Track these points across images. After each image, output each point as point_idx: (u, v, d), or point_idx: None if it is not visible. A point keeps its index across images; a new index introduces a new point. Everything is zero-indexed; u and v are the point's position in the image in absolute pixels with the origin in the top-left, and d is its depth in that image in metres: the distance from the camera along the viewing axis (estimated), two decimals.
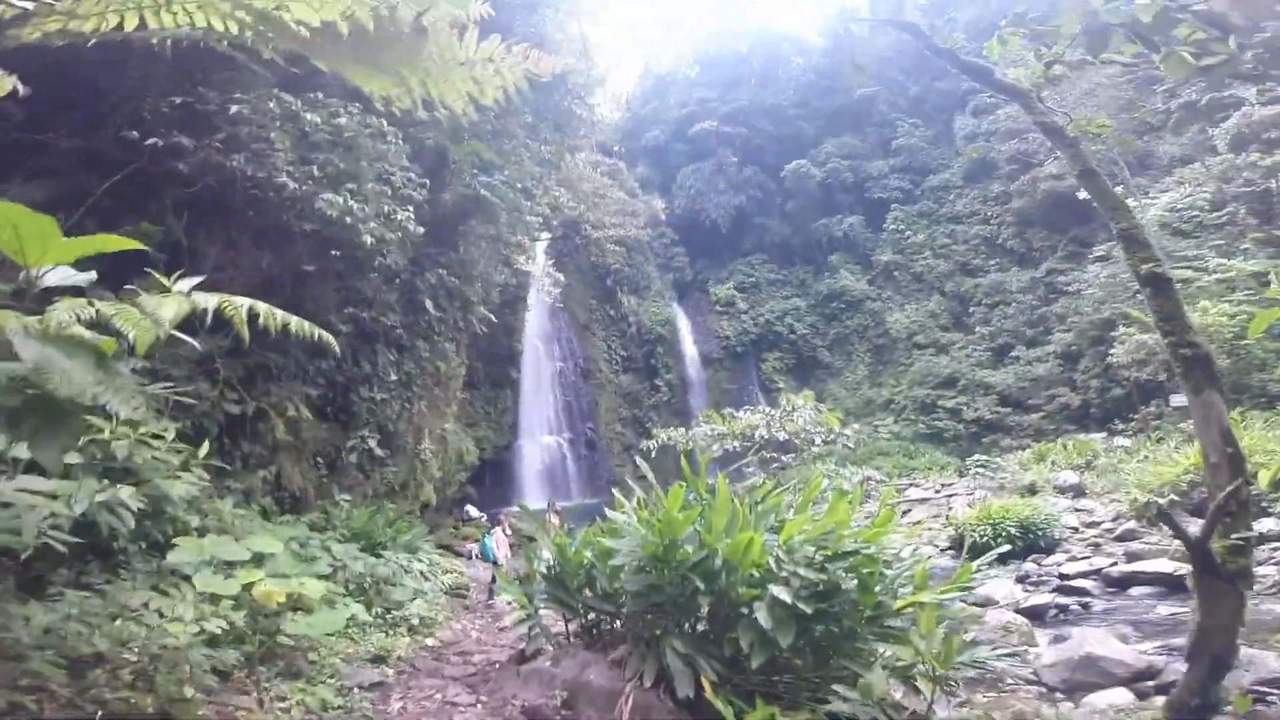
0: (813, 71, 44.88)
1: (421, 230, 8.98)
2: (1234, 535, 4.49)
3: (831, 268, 39.86)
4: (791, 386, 36.58)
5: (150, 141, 6.71)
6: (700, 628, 5.06)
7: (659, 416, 34.16)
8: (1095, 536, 14.48)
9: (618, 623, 6.13)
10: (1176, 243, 24.53)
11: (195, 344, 4.07)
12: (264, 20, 2.30)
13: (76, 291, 3.40)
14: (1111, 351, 24.75)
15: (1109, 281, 27.85)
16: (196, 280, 2.85)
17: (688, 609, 4.89)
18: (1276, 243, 22.98)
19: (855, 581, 4.18)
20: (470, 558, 13.78)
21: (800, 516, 4.47)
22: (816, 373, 37.23)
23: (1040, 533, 13.82)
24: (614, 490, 6.29)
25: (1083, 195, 23.35)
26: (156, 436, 5.46)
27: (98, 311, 2.31)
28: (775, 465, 13.69)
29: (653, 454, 15.23)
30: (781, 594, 3.84)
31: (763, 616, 3.85)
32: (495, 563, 11.18)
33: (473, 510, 17.27)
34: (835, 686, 4.33)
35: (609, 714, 4.85)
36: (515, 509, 16.95)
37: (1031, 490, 18.49)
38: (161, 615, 4.11)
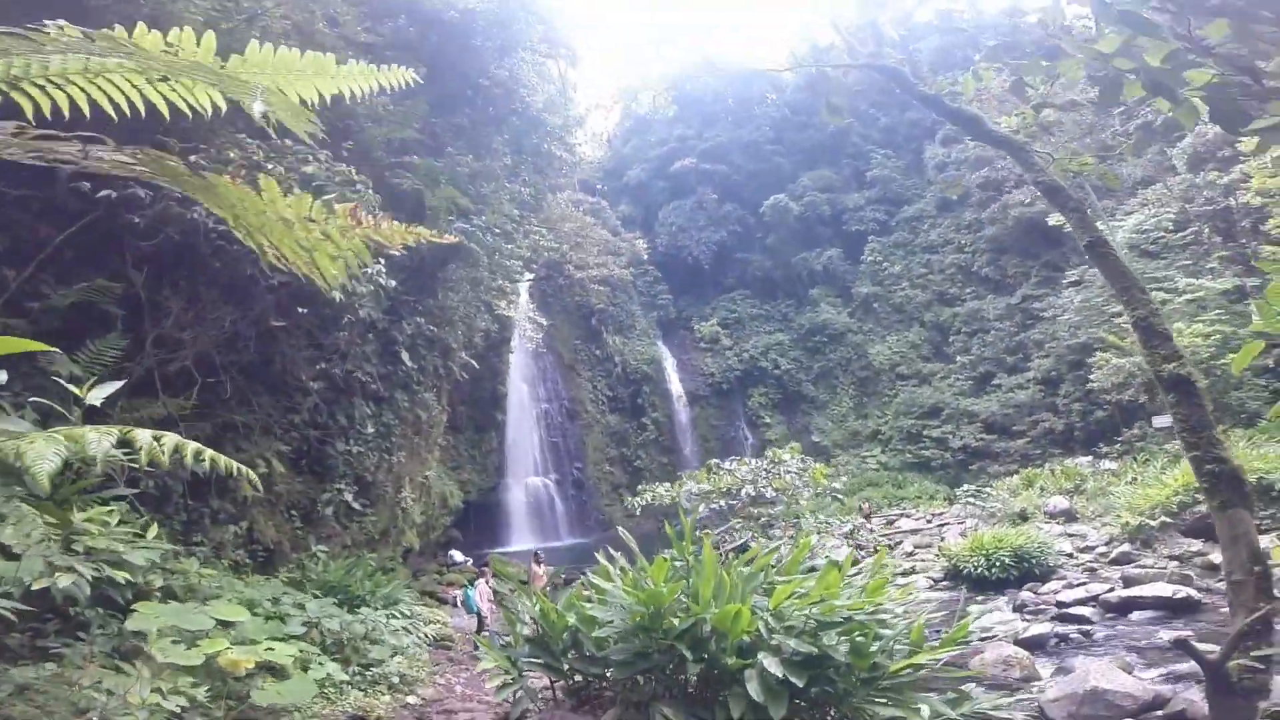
0: (787, 106, 45.87)
1: (394, 284, 8.84)
2: (1253, 654, 4.35)
3: (813, 301, 40.20)
4: (778, 421, 36.58)
5: (104, 193, 6.52)
6: (689, 692, 4.85)
7: (647, 455, 33.92)
8: (1090, 561, 14.44)
9: (603, 684, 5.87)
10: (1145, 264, 25.12)
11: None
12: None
13: None
14: (1091, 376, 25.06)
15: (1084, 306, 28.34)
16: (111, 388, 2.68)
17: (676, 674, 4.69)
18: (1241, 260, 23.63)
19: (849, 646, 4.02)
20: (455, 604, 13.33)
21: (789, 583, 4.35)
22: (802, 407, 37.25)
23: (1035, 560, 13.73)
24: (596, 554, 6.12)
25: (1053, 220, 23.73)
26: (119, 498, 5.22)
27: None
28: (763, 520, 13.55)
29: (638, 511, 15.01)
30: (772, 666, 3.68)
31: (754, 688, 3.68)
32: (479, 615, 10.83)
33: (457, 555, 16.81)
34: None
35: None
36: (499, 553, 16.52)
37: (1022, 517, 18.45)
38: (115, 690, 3.82)
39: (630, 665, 4.55)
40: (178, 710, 4.05)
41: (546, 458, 28.64)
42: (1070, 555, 14.85)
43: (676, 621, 4.07)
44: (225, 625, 5.56)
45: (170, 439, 2.68)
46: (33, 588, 3.91)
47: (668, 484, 14.66)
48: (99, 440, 2.40)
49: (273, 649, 5.80)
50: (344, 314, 8.07)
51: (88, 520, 4.74)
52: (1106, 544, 15.27)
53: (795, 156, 44.78)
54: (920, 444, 32.60)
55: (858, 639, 4.05)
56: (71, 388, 2.87)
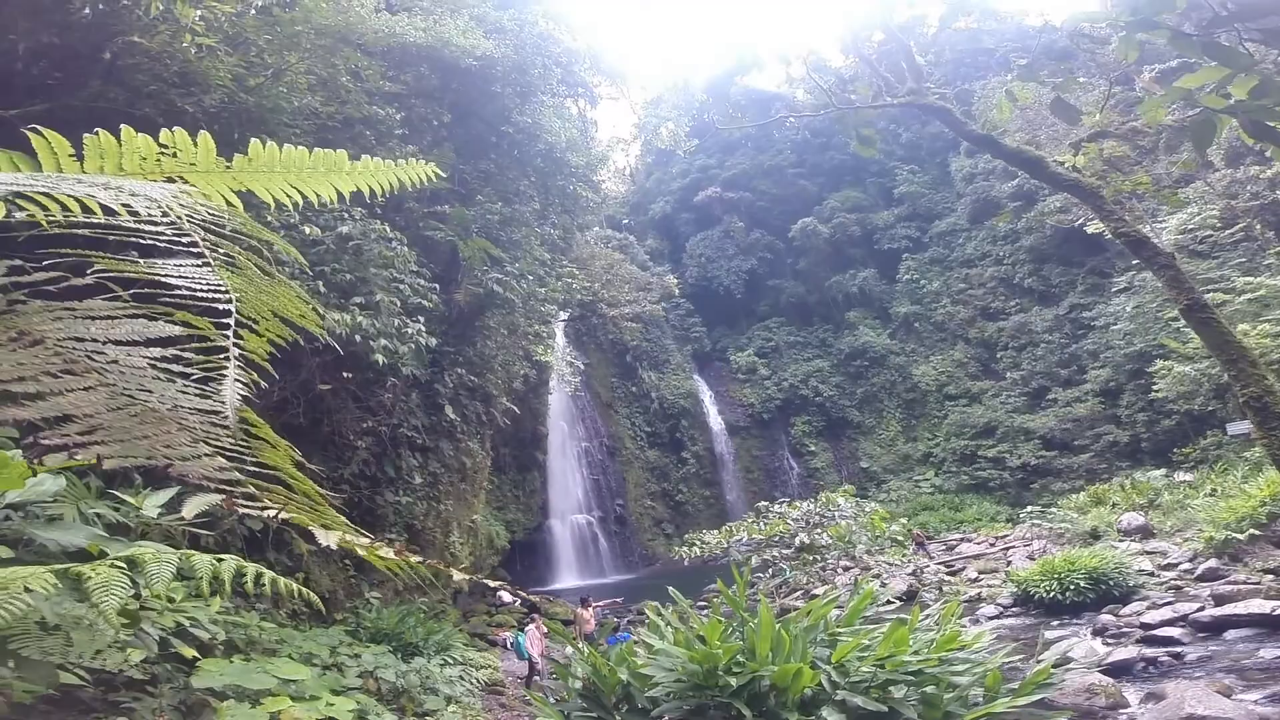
0: (806, 129, 45.78)
1: (434, 341, 8.99)
2: None
3: (850, 324, 39.33)
4: (823, 449, 35.73)
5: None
6: None
7: (688, 489, 33.52)
8: (1174, 579, 13.57)
9: None
10: (1196, 265, 23.97)
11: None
12: None
13: None
14: (1155, 386, 23.84)
15: (1137, 313, 27.21)
16: (170, 493, 2.76)
17: None
18: None
19: (919, 698, 3.80)
20: (505, 646, 13.25)
21: (853, 640, 4.18)
22: (847, 433, 36.37)
23: (1113, 581, 12.93)
24: (645, 608, 6.04)
25: (1092, 229, 22.74)
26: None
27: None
28: (819, 565, 12.95)
29: (685, 562, 14.72)
30: (833, 717, 3.50)
31: None
32: (531, 661, 10.71)
33: (505, 595, 16.76)
34: None
35: None
36: (545, 592, 16.32)
37: (1094, 536, 17.46)
38: None
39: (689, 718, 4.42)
40: None
41: (589, 495, 28.65)
42: (1151, 574, 13.94)
43: (733, 680, 3.92)
44: (285, 683, 5.60)
45: (231, 563, 2.75)
46: (105, 664, 4.01)
47: (715, 532, 14.33)
48: (159, 570, 2.48)
49: (333, 704, 5.81)
50: (387, 375, 8.27)
51: (154, 597, 4.87)
52: (1190, 560, 14.31)
53: (819, 178, 44.48)
54: (976, 464, 31.29)
55: (928, 691, 3.83)
56: (129, 499, 2.98)
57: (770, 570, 13.23)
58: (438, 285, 9.85)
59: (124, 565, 2.36)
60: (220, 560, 2.82)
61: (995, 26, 37.61)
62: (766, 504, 14.74)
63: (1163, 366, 22.97)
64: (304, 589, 3.17)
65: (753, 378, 38.53)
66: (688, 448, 34.96)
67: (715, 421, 36.70)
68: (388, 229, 8.82)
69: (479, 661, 10.59)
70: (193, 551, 2.77)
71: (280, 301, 1.80)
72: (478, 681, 9.49)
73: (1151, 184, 7.67)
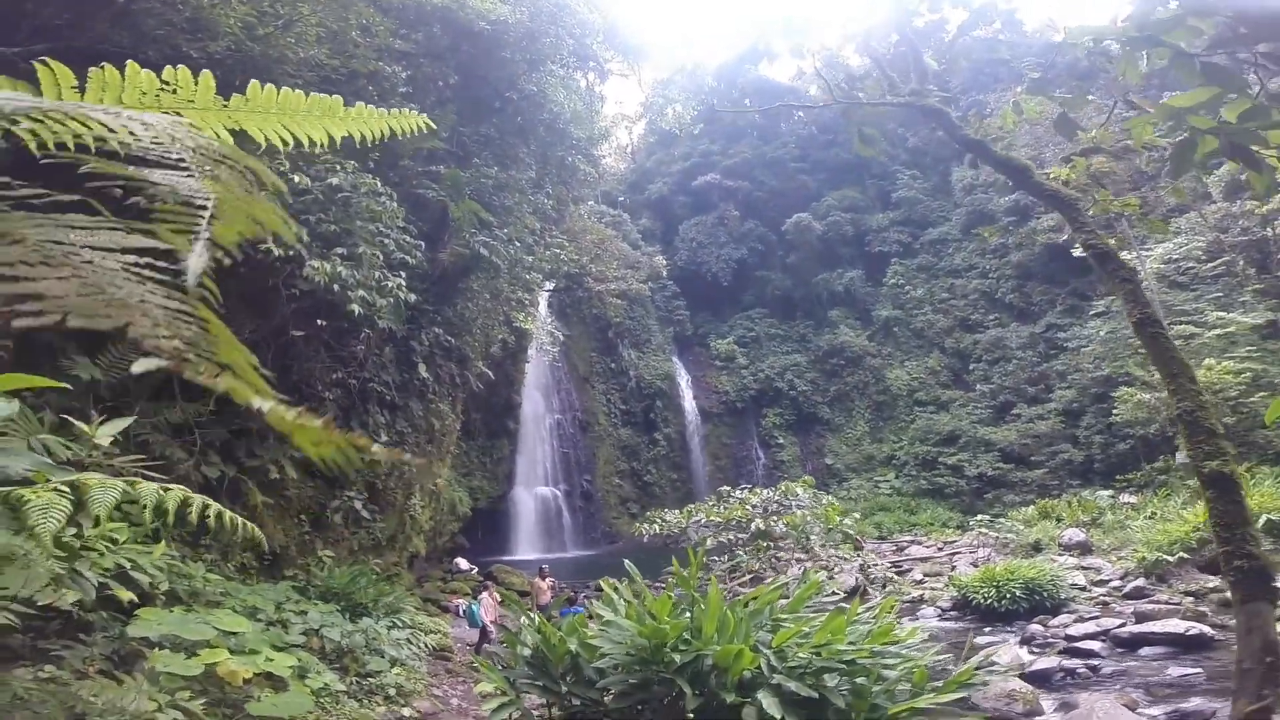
0: (814, 125, 45.55)
1: (414, 296, 8.91)
2: None
3: (832, 323, 39.68)
4: (791, 443, 36.27)
5: (131, 202, 6.64)
6: None
7: (657, 470, 33.78)
8: (1103, 595, 14.18)
9: (600, 710, 5.86)
10: (1175, 295, 24.62)
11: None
12: None
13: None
14: (1115, 411, 24.59)
15: (1109, 338, 27.93)
16: (124, 423, 2.70)
17: (674, 708, 4.65)
18: (1276, 293, 23.01)
19: (850, 688, 3.96)
20: (457, 613, 13.37)
21: (795, 623, 4.32)
22: (816, 429, 36.89)
23: (1046, 593, 13.51)
24: (603, 582, 6.13)
25: (1077, 252, 23.32)
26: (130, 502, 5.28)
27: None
28: (771, 553, 13.29)
29: (645, 538, 14.94)
30: (770, 706, 3.64)
31: None
32: (484, 629, 10.83)
33: (463, 563, 16.89)
34: None
35: None
36: (505, 562, 16.48)
37: (1036, 548, 18.14)
38: (111, 705, 3.83)
39: (629, 695, 4.53)
40: None
41: (557, 468, 28.71)
42: (1083, 589, 14.57)
43: (678, 657, 4.04)
44: (226, 635, 5.56)
45: (177, 493, 2.72)
46: (39, 601, 3.94)
47: (676, 511, 14.54)
48: (103, 495, 2.44)
49: (272, 659, 5.81)
50: (363, 326, 8.18)
51: (97, 537, 4.80)
52: (1121, 578, 15.00)
53: (820, 175, 44.33)
54: (935, 470, 32.10)
55: (859, 681, 3.98)
56: (83, 426, 2.91)
57: (725, 555, 13.53)
58: (424, 243, 9.73)
59: (66, 490, 2.32)
60: (167, 490, 2.79)
61: (1017, 39, 37.69)
62: (728, 489, 15.02)
63: (1125, 393, 23.69)
64: (250, 525, 3.15)
65: (730, 366, 38.71)
66: (660, 429, 35.13)
67: (689, 405, 36.90)
68: (379, 184, 8.68)
69: (428, 626, 10.67)
70: (138, 479, 2.72)
71: (258, 210, 1.83)
72: (425, 646, 9.55)
73: (1140, 207, 7.81)
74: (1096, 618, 12.54)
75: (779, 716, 3.50)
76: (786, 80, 48.68)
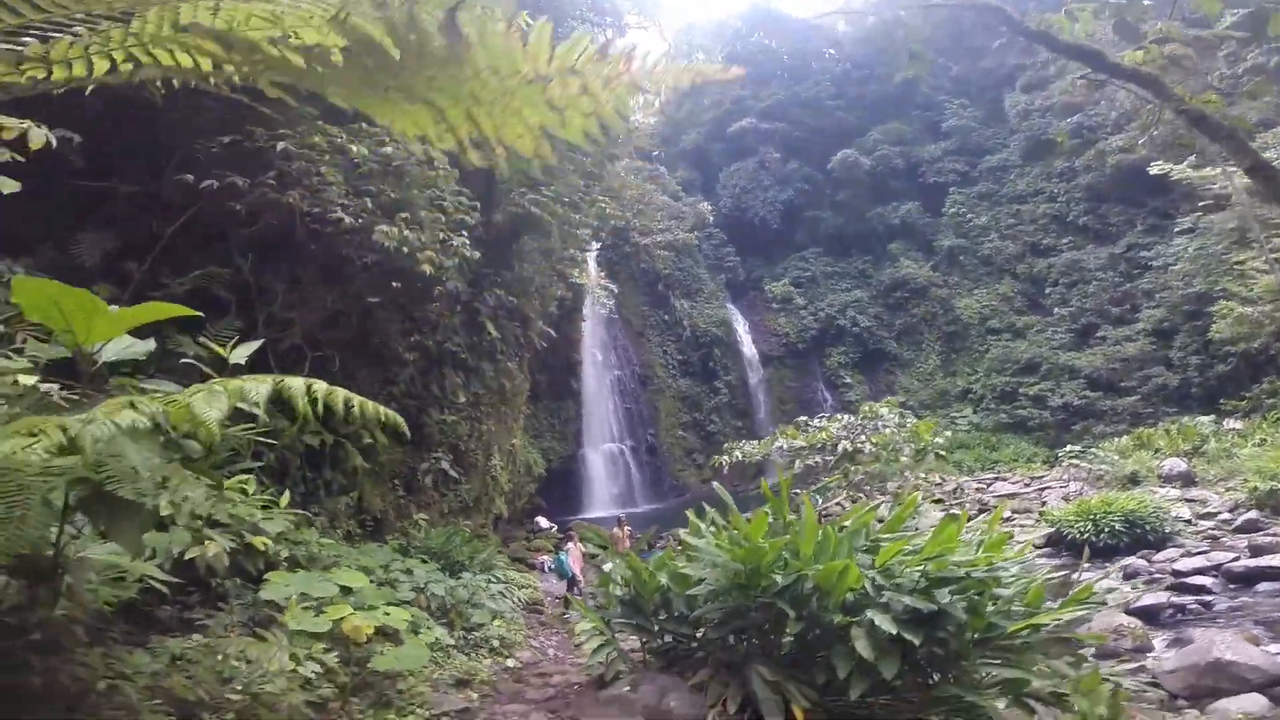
0: (848, 61, 43.98)
1: (478, 254, 9.05)
2: None
3: (891, 256, 38.55)
4: (859, 381, 35.47)
5: (206, 184, 6.91)
6: (786, 652, 4.79)
7: (720, 419, 33.60)
8: (1211, 529, 13.30)
9: (693, 644, 5.94)
10: (1270, 210, 22.32)
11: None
12: (255, 55, 1.87)
13: (136, 363, 3.49)
14: (1213, 328, 22.76)
15: (1199, 255, 25.88)
16: (254, 346, 2.78)
17: (772, 634, 4.63)
18: None
19: (963, 605, 3.83)
20: (542, 570, 13.89)
21: (899, 540, 4.17)
22: (885, 365, 35.86)
23: (1149, 526, 12.76)
24: (688, 513, 6.09)
25: (1156, 169, 21.49)
26: (246, 471, 5.64)
27: (151, 416, 2.23)
28: (859, 478, 12.76)
29: (725, 470, 14.79)
30: (884, 622, 3.56)
31: (863, 645, 3.57)
32: (572, 579, 11.16)
33: (543, 521, 17.46)
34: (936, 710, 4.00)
35: None
36: (587, 518, 16.95)
37: (1133, 480, 17.12)
38: (257, 659, 4.13)
39: (725, 624, 4.55)
40: (312, 676, 4.29)
41: (621, 424, 28.91)
42: (1189, 522, 13.72)
43: (778, 578, 3.99)
44: (346, 592, 5.86)
45: (321, 386, 2.82)
46: (186, 556, 4.27)
47: (756, 441, 14.29)
48: (256, 387, 2.55)
49: (389, 614, 6.09)
50: (434, 285, 8.36)
51: (228, 490, 5.13)
52: (1230, 510, 14.00)
53: (860, 111, 42.83)
54: (1015, 403, 30.67)
55: (974, 597, 3.85)
56: (215, 347, 3.05)
57: (811, 484, 13.27)
58: (479, 203, 9.82)
59: (222, 389, 2.47)
60: (311, 383, 2.90)
61: None
62: (805, 419, 14.63)
63: (1224, 307, 21.87)
64: (391, 413, 3.28)
65: (788, 307, 38.00)
66: (720, 377, 34.72)
67: (749, 350, 36.26)
68: (430, 149, 8.73)
69: (520, 581, 11.09)
70: (284, 377, 2.85)
71: None
72: (519, 600, 9.96)
73: (1223, 102, 7.04)
74: (1205, 552, 11.83)
75: (893, 632, 3.42)
76: (811, 17, 46.72)
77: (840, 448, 12.74)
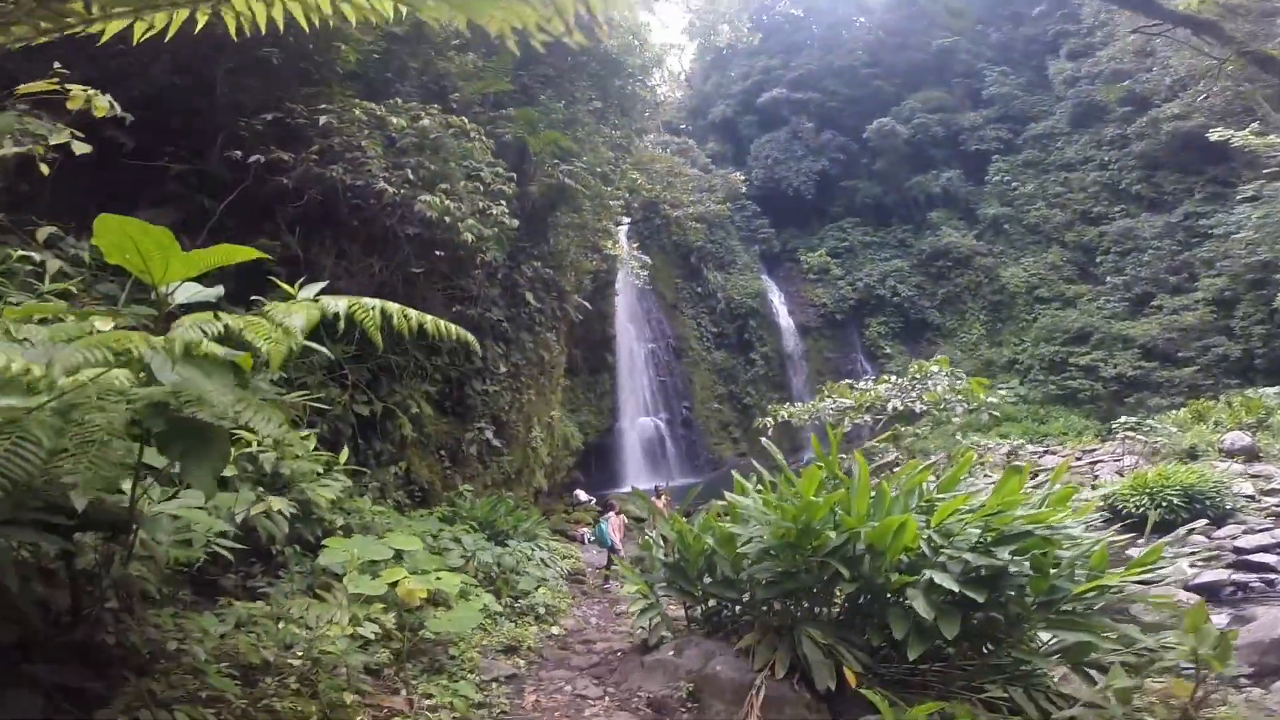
0: (880, 29, 43.05)
1: (516, 223, 9.07)
2: None
3: (933, 225, 37.70)
4: (900, 351, 34.76)
5: (253, 159, 7.06)
6: (837, 615, 4.73)
7: (756, 391, 33.24)
8: (1276, 506, 12.68)
9: (739, 609, 5.93)
10: None
11: (326, 351, 4.19)
12: None
13: (206, 308, 3.55)
14: (1278, 297, 21.54)
15: (1263, 222, 24.55)
16: (320, 286, 2.80)
17: (823, 596, 4.56)
18: None
19: (1026, 565, 3.70)
20: (583, 541, 14.09)
21: (957, 497, 4.01)
22: (926, 335, 35.07)
23: (1208, 502, 12.23)
24: (734, 474, 6.01)
25: (1216, 136, 20.46)
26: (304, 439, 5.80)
27: (226, 326, 2.24)
28: (909, 441, 12.26)
29: (769, 431, 14.54)
30: (944, 580, 3.46)
31: (921, 604, 3.48)
32: (613, 548, 11.28)
33: (582, 494, 17.68)
34: (993, 678, 3.89)
35: (737, 707, 4.61)
36: (624, 491, 17.12)
37: (1192, 455, 16.40)
38: (318, 622, 4.24)
39: (774, 585, 4.47)
40: (372, 637, 4.39)
41: (656, 398, 28.81)
42: (1252, 498, 13.11)
43: (832, 534, 3.88)
44: (399, 558, 5.98)
45: (394, 306, 2.86)
46: (251, 512, 4.40)
47: (799, 404, 13.92)
48: (335, 302, 2.60)
49: (441, 579, 6.21)
50: (475, 255, 8.43)
51: (286, 451, 5.28)
52: None
53: (896, 79, 41.69)
54: (1065, 373, 29.62)
55: (1038, 556, 3.71)
56: (285, 286, 3.08)
57: (857, 444, 12.89)
58: (515, 175, 9.85)
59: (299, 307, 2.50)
60: (385, 305, 2.92)
61: None
62: (850, 382, 14.17)
63: None
64: (459, 329, 3.28)
65: (825, 278, 37.47)
66: (756, 348, 34.31)
67: (785, 321, 35.77)
68: (465, 121, 8.80)
69: (562, 551, 11.27)
70: (359, 298, 2.87)
71: None
72: (562, 570, 10.12)
73: None
74: (1270, 529, 11.35)
75: (955, 590, 3.30)
76: None
77: (890, 406, 12.25)
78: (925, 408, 12.02)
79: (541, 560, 9.35)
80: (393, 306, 2.76)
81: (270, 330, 2.24)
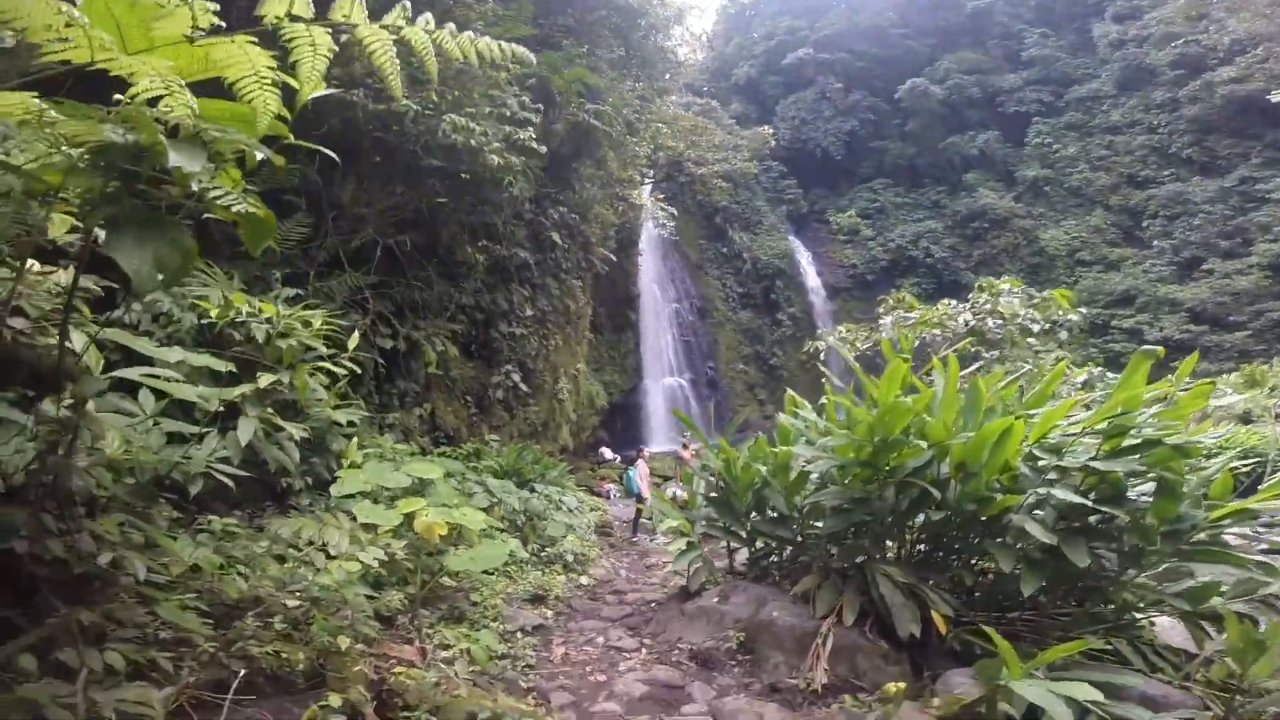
0: None
1: (544, 149, 8.55)
2: None
3: (968, 186, 37.01)
4: None
5: None
6: (913, 552, 4.17)
7: (783, 352, 32.60)
8: None
9: (790, 549, 5.42)
10: None
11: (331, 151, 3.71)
12: None
13: None
14: None
15: None
16: None
17: (897, 529, 4.01)
18: None
19: (1154, 486, 3.09)
20: (608, 497, 13.84)
21: (1061, 404, 3.39)
22: (961, 297, 33.90)
23: (1270, 466, 11.45)
24: (760, 436, 5.45)
25: (1277, 97, 18.89)
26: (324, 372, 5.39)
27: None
28: (978, 364, 10.99)
29: (821, 354, 13.77)
30: (1064, 493, 2.87)
31: (1035, 527, 2.90)
32: (639, 496, 11.00)
33: (607, 452, 17.45)
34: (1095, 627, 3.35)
35: (799, 659, 4.13)
36: (650, 448, 16.78)
37: (1245, 419, 15.57)
38: (316, 551, 3.72)
39: (842, 515, 3.89)
40: (374, 563, 3.84)
41: (680, 357, 28.32)
42: None
43: (924, 446, 3.22)
44: (419, 491, 5.55)
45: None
46: (258, 438, 3.94)
47: (851, 325, 13.01)
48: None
49: (465, 513, 5.81)
50: (499, 185, 7.96)
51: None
52: None
53: (929, 40, 40.81)
54: (1108, 336, 28.73)
55: (1167, 476, 3.04)
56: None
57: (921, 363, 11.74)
58: (541, 107, 9.31)
59: None
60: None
61: None
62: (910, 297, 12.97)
63: None
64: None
65: (855, 239, 36.79)
66: (783, 309, 33.65)
67: (813, 282, 35.08)
68: (490, 44, 8.23)
69: (590, 503, 10.94)
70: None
71: None
72: (589, 521, 9.77)
73: None
74: None
75: (1080, 501, 2.69)
76: None
77: (962, 320, 11.29)
78: (998, 325, 11.03)
79: (569, 509, 9.00)
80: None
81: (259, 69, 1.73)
